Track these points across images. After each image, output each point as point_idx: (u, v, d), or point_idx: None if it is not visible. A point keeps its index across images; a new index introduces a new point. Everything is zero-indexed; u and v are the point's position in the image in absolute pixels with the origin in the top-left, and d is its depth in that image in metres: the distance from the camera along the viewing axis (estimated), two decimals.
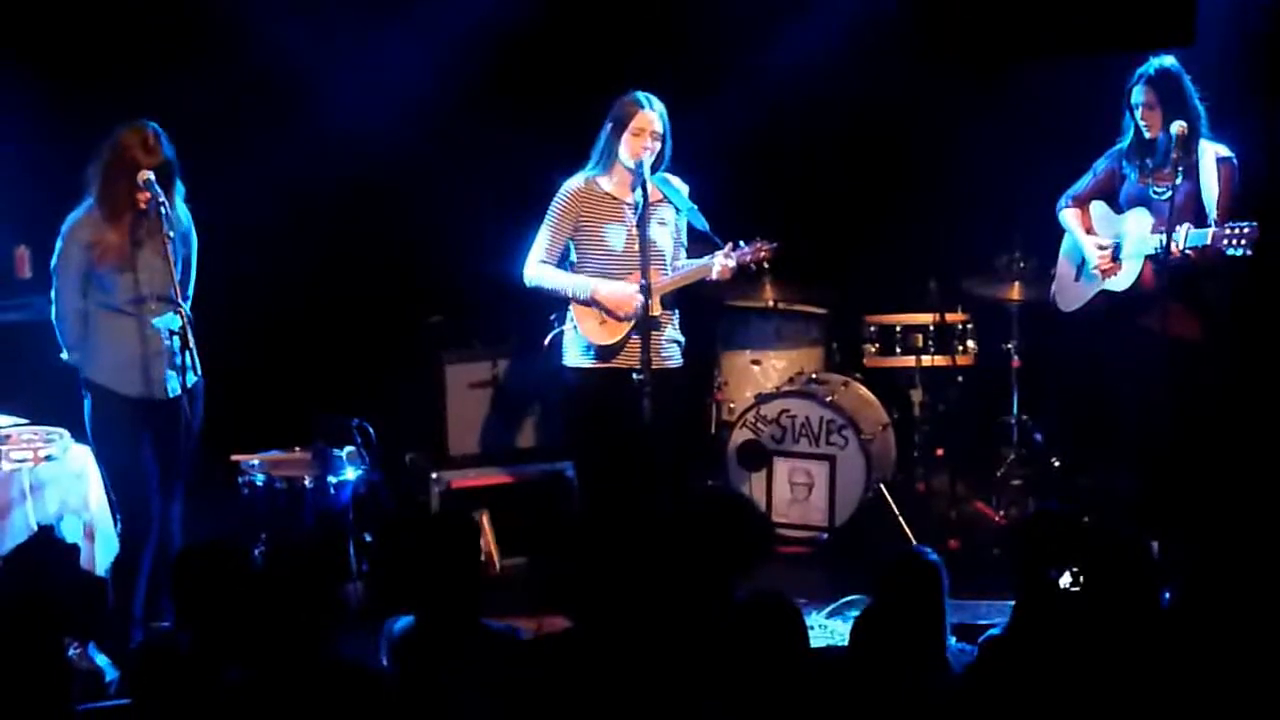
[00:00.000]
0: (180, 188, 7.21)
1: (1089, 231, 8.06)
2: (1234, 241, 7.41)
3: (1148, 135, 7.81)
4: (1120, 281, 7.90)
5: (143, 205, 7.03)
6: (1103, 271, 7.96)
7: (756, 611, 5.25)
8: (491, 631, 5.62)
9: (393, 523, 8.18)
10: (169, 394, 7.19)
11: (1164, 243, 7.56)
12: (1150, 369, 7.75)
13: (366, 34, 9.44)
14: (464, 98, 9.55)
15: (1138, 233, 7.81)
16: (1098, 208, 8.06)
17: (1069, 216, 8.15)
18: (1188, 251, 7.54)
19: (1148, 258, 7.75)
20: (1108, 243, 7.96)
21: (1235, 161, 7.74)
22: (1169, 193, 7.63)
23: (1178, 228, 7.54)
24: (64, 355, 7.26)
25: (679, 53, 9.50)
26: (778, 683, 5.12)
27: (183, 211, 7.25)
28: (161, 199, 6.97)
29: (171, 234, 7.00)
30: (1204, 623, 5.48)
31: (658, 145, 7.53)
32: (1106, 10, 9.09)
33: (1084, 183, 8.13)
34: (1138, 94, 7.79)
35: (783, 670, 5.14)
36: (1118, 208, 7.99)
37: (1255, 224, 7.43)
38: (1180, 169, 7.62)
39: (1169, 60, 7.78)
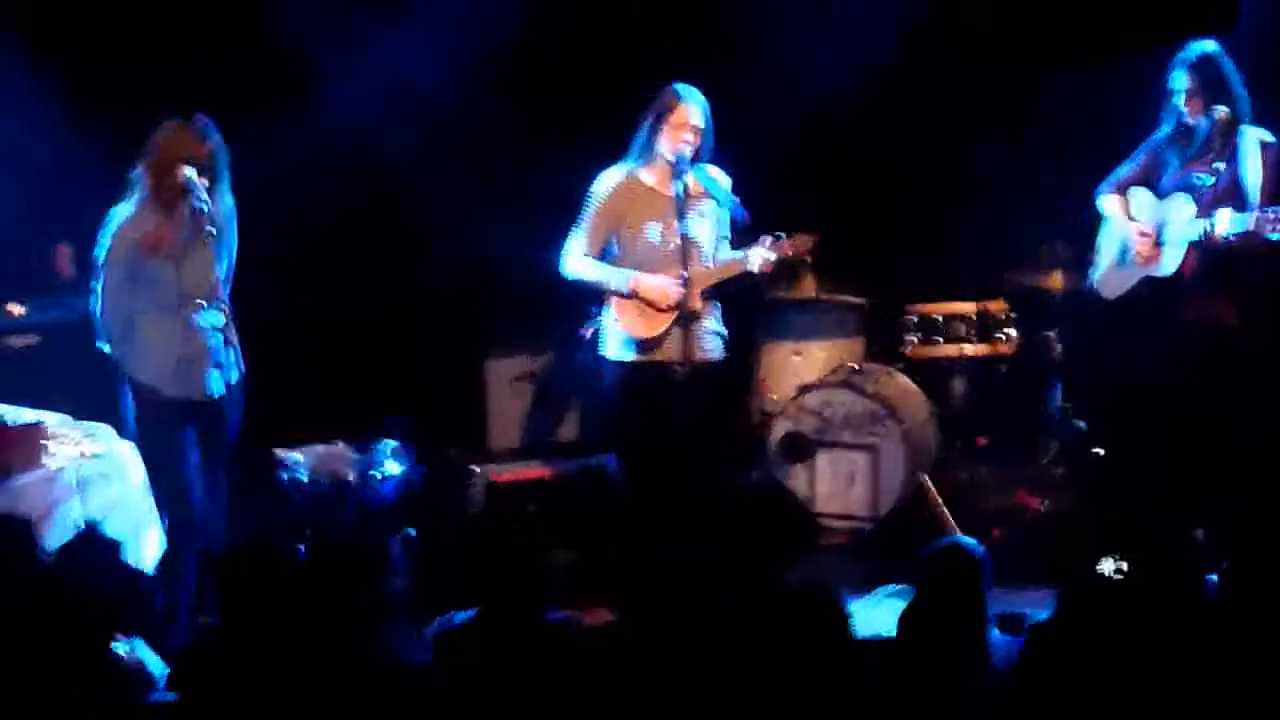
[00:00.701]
0: (226, 178, 7.24)
1: (1130, 218, 8.02)
2: (1277, 226, 7.37)
3: (1189, 121, 7.75)
4: (1163, 268, 7.85)
5: (188, 201, 7.06)
6: (1145, 258, 7.92)
7: (803, 602, 5.24)
8: (553, 623, 5.61)
9: (441, 521, 8.18)
10: (211, 394, 7.22)
11: (1207, 228, 7.53)
12: (1191, 355, 7.73)
13: (410, 30, 9.44)
14: (504, 90, 9.56)
15: (1180, 218, 7.77)
16: (1139, 194, 8.01)
17: (1109, 203, 8.09)
18: (1229, 238, 7.50)
19: (1191, 244, 7.71)
20: (1150, 229, 7.92)
21: (1278, 146, 7.70)
22: (1211, 179, 7.60)
23: (1218, 212, 7.50)
24: (100, 344, 7.28)
25: (718, 43, 9.48)
26: (823, 673, 5.12)
27: (228, 202, 7.27)
28: (203, 197, 7.00)
29: (214, 231, 7.02)
30: (1250, 610, 5.46)
31: (698, 139, 7.53)
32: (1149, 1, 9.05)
33: (1125, 169, 8.06)
34: (1178, 79, 7.74)
35: (828, 660, 5.14)
36: (1159, 194, 7.95)
37: None
38: (1223, 155, 7.58)
39: (1210, 45, 7.72)
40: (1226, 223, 7.50)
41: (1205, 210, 7.58)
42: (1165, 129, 7.90)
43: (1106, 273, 8.17)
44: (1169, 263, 7.82)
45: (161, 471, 7.25)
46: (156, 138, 7.17)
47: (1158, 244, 7.87)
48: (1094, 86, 9.20)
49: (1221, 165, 7.58)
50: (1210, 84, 7.68)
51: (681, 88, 7.58)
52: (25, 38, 8.83)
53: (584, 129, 8.48)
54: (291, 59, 9.26)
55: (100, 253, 7.23)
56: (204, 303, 7.16)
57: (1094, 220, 8.22)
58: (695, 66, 8.00)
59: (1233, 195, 7.63)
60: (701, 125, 7.55)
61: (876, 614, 7.46)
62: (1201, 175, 7.73)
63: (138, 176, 7.18)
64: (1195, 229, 7.63)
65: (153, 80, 8.79)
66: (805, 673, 5.14)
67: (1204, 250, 7.58)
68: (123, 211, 7.20)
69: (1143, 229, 7.92)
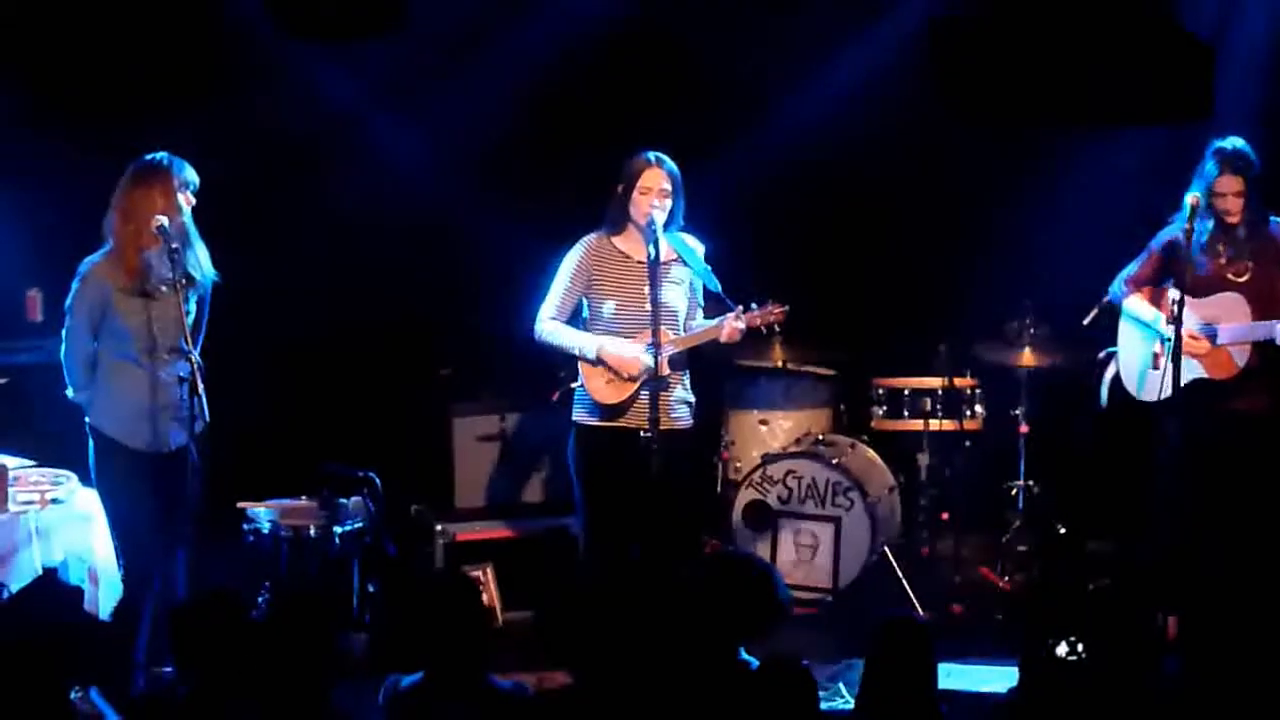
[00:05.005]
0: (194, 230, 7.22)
1: (1170, 320, 7.55)
2: None
3: (1230, 221, 7.57)
4: (1224, 368, 7.68)
5: (156, 250, 7.04)
6: (1200, 358, 7.67)
7: (772, 675, 5.23)
8: (499, 690, 5.58)
9: (397, 580, 8.15)
10: (174, 447, 7.20)
11: (1276, 327, 7.45)
12: (1250, 451, 7.63)
13: (391, 97, 9.44)
14: (477, 156, 9.58)
15: (1234, 319, 7.64)
16: (1174, 294, 7.61)
17: (1134, 303, 7.89)
18: None
19: (1255, 345, 7.58)
20: (1199, 330, 7.68)
21: None
22: (1248, 276, 7.57)
23: None
24: (69, 393, 7.28)
25: (691, 111, 9.53)
26: None
27: (201, 252, 7.26)
28: (174, 245, 6.98)
29: (184, 281, 7.01)
30: (1210, 694, 5.47)
31: (667, 203, 7.55)
32: (1124, 82, 9.07)
33: (1137, 267, 7.89)
34: (1224, 182, 7.52)
35: None
36: (1191, 292, 7.55)
37: None
38: (1259, 250, 7.54)
39: (1240, 141, 7.57)
40: None
41: (1258, 309, 7.52)
42: (1181, 221, 7.59)
43: (1140, 372, 7.92)
44: (1231, 363, 7.67)
45: (121, 521, 7.21)
46: (130, 184, 7.16)
47: (1214, 344, 7.68)
48: (1071, 164, 9.25)
49: (1256, 263, 7.53)
50: (1255, 182, 7.54)
51: (651, 154, 7.59)
52: None
53: (561, 193, 8.51)
54: (273, 122, 9.24)
55: (69, 298, 7.22)
56: (172, 355, 7.14)
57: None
58: (669, 131, 8.05)
59: (1274, 288, 7.58)
60: (670, 189, 7.56)
61: (834, 686, 7.45)
62: (1236, 275, 7.63)
63: (109, 224, 7.17)
64: (1260, 330, 7.52)
65: (134, 126, 8.75)
66: None
67: (1270, 349, 7.51)
68: (93, 259, 7.19)
69: (1193, 331, 7.66)
